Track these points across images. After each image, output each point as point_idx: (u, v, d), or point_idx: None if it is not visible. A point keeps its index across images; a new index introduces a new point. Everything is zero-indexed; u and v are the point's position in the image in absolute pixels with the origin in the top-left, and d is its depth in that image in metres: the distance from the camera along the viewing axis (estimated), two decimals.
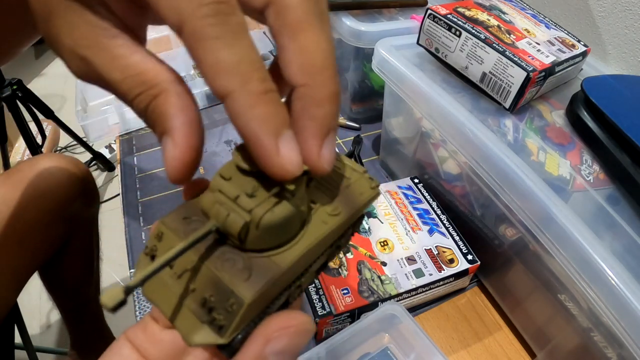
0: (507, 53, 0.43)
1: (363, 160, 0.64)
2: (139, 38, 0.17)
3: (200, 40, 0.14)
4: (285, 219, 0.15)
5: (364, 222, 0.49)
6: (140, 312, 0.46)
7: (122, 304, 0.13)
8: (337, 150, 0.20)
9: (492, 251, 0.46)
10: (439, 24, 0.47)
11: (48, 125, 1.62)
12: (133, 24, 0.17)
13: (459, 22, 0.46)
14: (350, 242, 0.47)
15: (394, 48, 0.52)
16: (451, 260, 0.46)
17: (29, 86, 1.27)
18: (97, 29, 0.15)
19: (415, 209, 0.51)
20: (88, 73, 0.16)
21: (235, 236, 0.15)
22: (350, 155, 0.64)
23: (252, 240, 0.15)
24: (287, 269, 0.15)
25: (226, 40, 0.14)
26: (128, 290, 0.13)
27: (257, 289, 0.14)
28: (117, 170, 1.14)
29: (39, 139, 1.40)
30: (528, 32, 0.48)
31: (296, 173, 0.15)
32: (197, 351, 0.16)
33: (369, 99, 0.71)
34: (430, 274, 0.44)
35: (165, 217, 0.17)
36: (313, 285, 0.43)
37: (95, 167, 1.64)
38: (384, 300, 0.42)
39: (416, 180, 0.55)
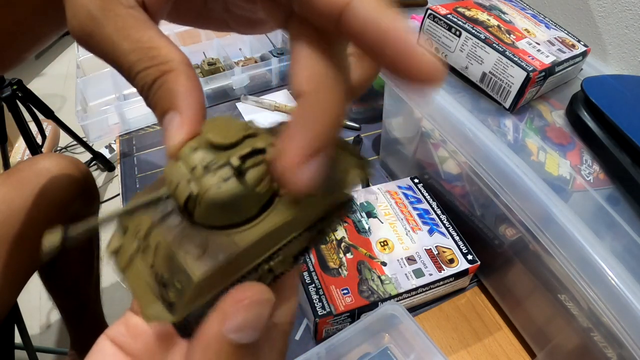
0: (507, 53, 0.43)
1: None
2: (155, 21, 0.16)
3: None
4: (233, 196, 0.14)
5: (364, 222, 0.49)
6: None
7: (56, 249, 0.13)
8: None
9: (492, 251, 0.46)
10: (439, 24, 0.47)
11: (48, 125, 1.62)
12: (153, 6, 0.16)
13: (459, 22, 0.46)
14: (350, 242, 0.47)
15: None
16: (451, 260, 0.46)
17: (29, 86, 1.27)
18: None
19: (415, 209, 0.51)
20: (92, 35, 0.15)
21: (181, 207, 0.15)
22: None
23: (200, 214, 0.14)
24: (245, 249, 0.14)
25: None
26: (65, 237, 0.13)
27: (208, 268, 0.14)
28: (117, 170, 1.14)
29: (39, 139, 1.40)
30: (528, 32, 0.48)
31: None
32: (183, 342, 0.16)
33: (369, 99, 0.71)
34: (430, 274, 0.44)
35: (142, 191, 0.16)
36: (313, 285, 0.43)
37: (95, 167, 1.64)
38: (384, 300, 0.42)
39: (416, 180, 0.55)
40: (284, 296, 0.17)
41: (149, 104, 0.16)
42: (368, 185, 0.60)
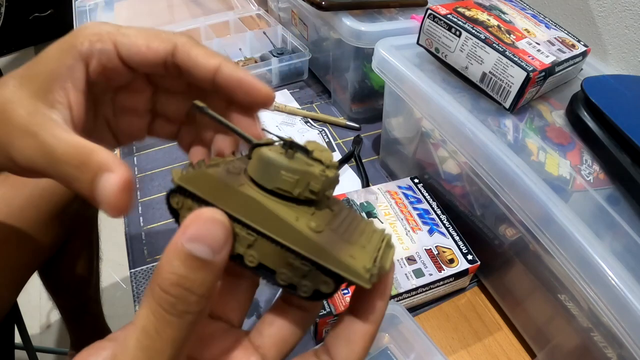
0: (507, 53, 0.43)
1: (363, 160, 0.64)
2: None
3: None
4: (271, 162, 0.18)
5: None
6: None
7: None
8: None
9: (492, 251, 0.46)
10: (439, 24, 0.47)
11: None
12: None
13: (459, 22, 0.46)
14: None
15: (394, 48, 0.52)
16: (451, 260, 0.46)
17: None
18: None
19: (415, 209, 0.51)
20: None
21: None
22: (351, 155, 0.64)
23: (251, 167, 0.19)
24: (219, 181, 0.18)
25: None
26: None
27: (186, 173, 0.19)
28: None
29: None
30: (528, 32, 0.48)
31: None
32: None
33: (369, 99, 0.71)
34: (430, 274, 0.44)
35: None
36: None
37: None
38: None
39: (416, 180, 0.55)
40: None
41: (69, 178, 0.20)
42: (368, 185, 0.60)
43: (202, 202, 0.19)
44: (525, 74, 0.42)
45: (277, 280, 0.18)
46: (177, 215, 0.21)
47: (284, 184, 0.18)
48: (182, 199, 0.20)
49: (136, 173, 0.64)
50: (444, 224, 0.49)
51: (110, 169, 0.19)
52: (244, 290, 0.23)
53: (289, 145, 0.19)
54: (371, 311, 0.19)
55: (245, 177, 0.19)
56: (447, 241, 0.48)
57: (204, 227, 0.16)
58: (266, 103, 0.23)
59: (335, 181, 0.20)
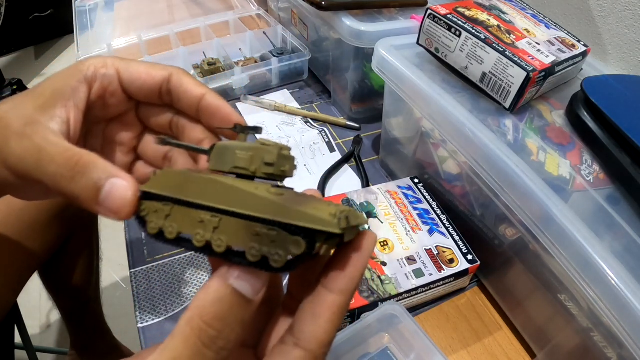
0: (507, 53, 0.43)
1: (363, 160, 0.64)
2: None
3: None
4: (226, 147, 0.20)
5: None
6: (140, 312, 0.46)
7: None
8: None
9: (492, 251, 0.46)
10: (439, 24, 0.47)
11: None
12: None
13: (459, 22, 0.46)
14: None
15: (394, 48, 0.52)
16: (451, 260, 0.46)
17: (29, 86, 1.27)
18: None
19: (415, 209, 0.51)
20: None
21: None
22: (351, 155, 0.64)
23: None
24: (179, 173, 0.20)
25: None
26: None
27: (149, 180, 0.21)
28: None
29: None
30: (528, 32, 0.48)
31: None
32: None
33: (369, 99, 0.71)
34: (430, 274, 0.44)
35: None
36: None
37: None
38: (384, 300, 0.42)
39: (416, 180, 0.55)
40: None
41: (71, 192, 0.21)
42: (368, 185, 0.60)
43: (166, 200, 0.19)
44: (525, 74, 0.42)
45: (248, 258, 0.17)
46: (144, 222, 0.21)
47: (240, 161, 0.19)
48: (148, 204, 0.20)
49: None
50: (444, 224, 0.49)
51: (116, 175, 0.21)
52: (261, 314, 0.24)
53: (240, 129, 0.21)
54: (338, 279, 0.18)
55: (205, 172, 0.21)
56: (447, 241, 0.48)
57: (248, 270, 0.17)
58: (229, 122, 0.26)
59: (291, 160, 0.20)
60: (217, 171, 0.21)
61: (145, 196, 0.21)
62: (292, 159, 0.21)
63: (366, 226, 0.17)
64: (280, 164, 0.20)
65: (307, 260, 0.17)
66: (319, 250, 0.17)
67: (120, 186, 0.20)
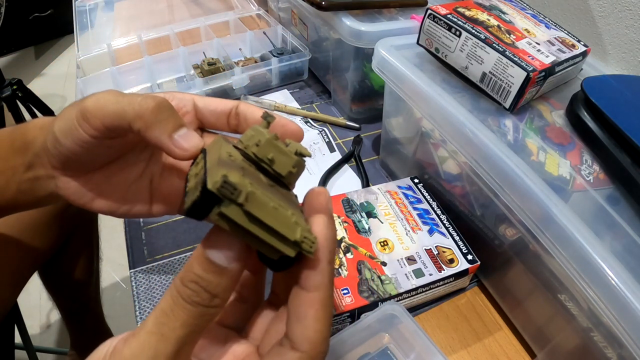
0: (507, 53, 0.43)
1: (363, 160, 0.64)
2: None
3: None
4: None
5: (364, 222, 0.49)
6: (140, 312, 0.46)
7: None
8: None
9: (492, 251, 0.46)
10: (439, 24, 0.47)
11: None
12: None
13: (459, 22, 0.46)
14: (350, 242, 0.47)
15: (394, 48, 0.52)
16: (451, 260, 0.46)
17: (29, 86, 1.27)
18: None
19: (415, 209, 0.51)
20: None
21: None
22: (351, 155, 0.64)
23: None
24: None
25: None
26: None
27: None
28: None
29: None
30: (528, 32, 0.48)
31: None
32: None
33: (369, 99, 0.71)
34: (430, 274, 0.44)
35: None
36: None
37: None
38: (384, 300, 0.42)
39: (416, 180, 0.55)
40: None
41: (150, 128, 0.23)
42: (368, 185, 0.60)
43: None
44: (525, 74, 0.42)
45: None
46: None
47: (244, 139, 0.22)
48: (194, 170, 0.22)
49: None
50: (444, 224, 0.49)
51: (184, 125, 0.24)
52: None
53: (265, 116, 0.23)
54: (310, 276, 0.19)
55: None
56: (447, 241, 0.48)
57: (223, 238, 0.18)
58: (298, 138, 0.28)
59: (289, 157, 0.22)
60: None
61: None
62: (293, 159, 0.22)
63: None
64: (273, 155, 0.21)
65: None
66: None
67: (185, 133, 0.24)
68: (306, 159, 0.23)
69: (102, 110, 0.23)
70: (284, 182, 0.22)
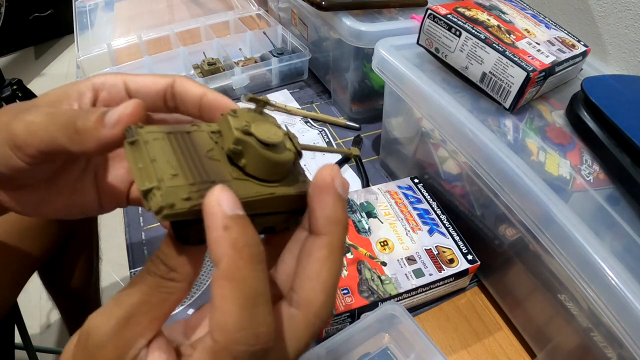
0: (507, 53, 0.43)
1: (363, 160, 0.64)
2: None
3: None
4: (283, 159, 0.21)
5: (364, 222, 0.49)
6: None
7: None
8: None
9: (492, 251, 0.46)
10: (439, 24, 0.47)
11: None
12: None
13: (459, 22, 0.46)
14: (350, 242, 0.47)
15: (394, 48, 0.52)
16: (451, 260, 0.46)
17: (29, 86, 1.27)
18: None
19: (415, 209, 0.51)
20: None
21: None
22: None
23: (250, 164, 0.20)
24: (278, 196, 0.20)
25: None
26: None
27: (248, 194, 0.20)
28: None
29: None
30: (528, 32, 0.48)
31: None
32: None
33: (369, 99, 0.71)
34: (430, 274, 0.44)
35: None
36: None
37: None
38: (384, 300, 0.42)
39: (416, 180, 0.55)
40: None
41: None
42: (368, 185, 0.60)
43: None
44: (525, 74, 0.42)
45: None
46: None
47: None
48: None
49: None
50: (444, 224, 0.49)
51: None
52: None
53: (251, 99, 0.22)
54: (318, 215, 0.20)
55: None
56: (447, 241, 0.48)
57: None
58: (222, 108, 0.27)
59: (243, 143, 0.20)
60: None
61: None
62: (248, 145, 0.19)
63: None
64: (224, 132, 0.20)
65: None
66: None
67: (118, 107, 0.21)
68: (306, 159, 0.23)
69: (34, 136, 0.21)
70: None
